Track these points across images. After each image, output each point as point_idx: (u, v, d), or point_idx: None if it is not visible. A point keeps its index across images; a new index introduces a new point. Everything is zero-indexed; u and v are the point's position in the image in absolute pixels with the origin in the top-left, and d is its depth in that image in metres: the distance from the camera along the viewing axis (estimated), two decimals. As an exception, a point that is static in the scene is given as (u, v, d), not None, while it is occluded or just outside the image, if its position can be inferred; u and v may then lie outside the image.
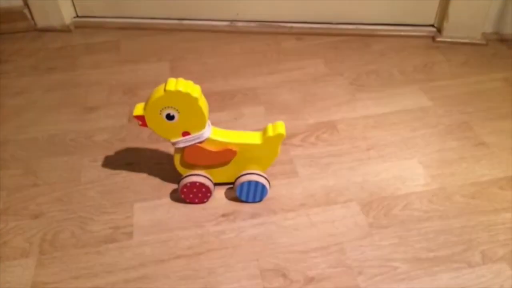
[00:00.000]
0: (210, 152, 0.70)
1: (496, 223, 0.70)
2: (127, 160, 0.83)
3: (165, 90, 0.63)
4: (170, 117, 0.66)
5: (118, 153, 0.85)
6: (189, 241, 0.69)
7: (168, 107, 0.65)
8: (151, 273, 0.64)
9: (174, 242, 0.69)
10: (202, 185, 0.72)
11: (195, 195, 0.73)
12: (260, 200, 0.74)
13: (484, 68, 1.06)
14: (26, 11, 1.23)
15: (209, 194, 0.73)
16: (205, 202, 0.74)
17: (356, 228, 0.69)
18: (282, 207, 0.73)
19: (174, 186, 0.77)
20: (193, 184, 0.71)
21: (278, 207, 0.73)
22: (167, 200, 0.75)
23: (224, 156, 0.71)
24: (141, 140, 0.88)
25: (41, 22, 1.25)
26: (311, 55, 1.13)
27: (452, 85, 1.01)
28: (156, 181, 0.79)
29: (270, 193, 0.74)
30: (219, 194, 0.76)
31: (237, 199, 0.74)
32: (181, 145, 0.69)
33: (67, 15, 1.26)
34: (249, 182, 0.71)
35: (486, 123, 0.89)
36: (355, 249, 0.67)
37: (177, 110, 0.65)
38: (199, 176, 0.72)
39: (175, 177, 0.75)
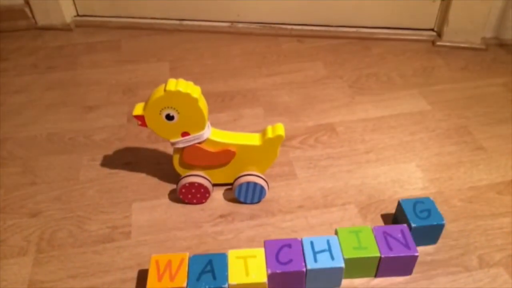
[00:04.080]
0: (209, 152, 0.70)
1: (494, 228, 0.70)
2: (126, 159, 0.83)
3: (165, 90, 0.63)
4: (169, 118, 0.66)
5: (117, 152, 0.85)
6: (186, 242, 0.68)
7: (168, 107, 0.65)
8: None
9: (171, 242, 0.68)
10: (200, 185, 0.72)
11: (193, 195, 0.73)
12: (258, 202, 0.74)
13: (483, 73, 1.06)
14: (27, 9, 1.23)
15: (207, 195, 0.73)
16: (203, 202, 0.74)
17: (354, 230, 0.69)
18: (280, 208, 0.74)
19: (173, 186, 0.77)
20: (192, 184, 0.71)
21: (276, 209, 0.73)
22: (166, 200, 0.75)
23: (223, 157, 0.71)
24: (140, 140, 0.88)
25: (41, 20, 1.25)
26: (311, 57, 1.13)
27: (451, 90, 1.01)
28: (154, 181, 0.79)
29: (268, 194, 0.75)
30: (217, 194, 0.76)
31: (235, 200, 0.74)
32: (180, 145, 0.69)
33: (68, 14, 1.26)
34: (248, 183, 0.71)
35: (485, 128, 0.89)
36: (352, 252, 0.67)
37: (177, 110, 0.65)
38: (198, 177, 0.72)
39: (174, 177, 0.75)
